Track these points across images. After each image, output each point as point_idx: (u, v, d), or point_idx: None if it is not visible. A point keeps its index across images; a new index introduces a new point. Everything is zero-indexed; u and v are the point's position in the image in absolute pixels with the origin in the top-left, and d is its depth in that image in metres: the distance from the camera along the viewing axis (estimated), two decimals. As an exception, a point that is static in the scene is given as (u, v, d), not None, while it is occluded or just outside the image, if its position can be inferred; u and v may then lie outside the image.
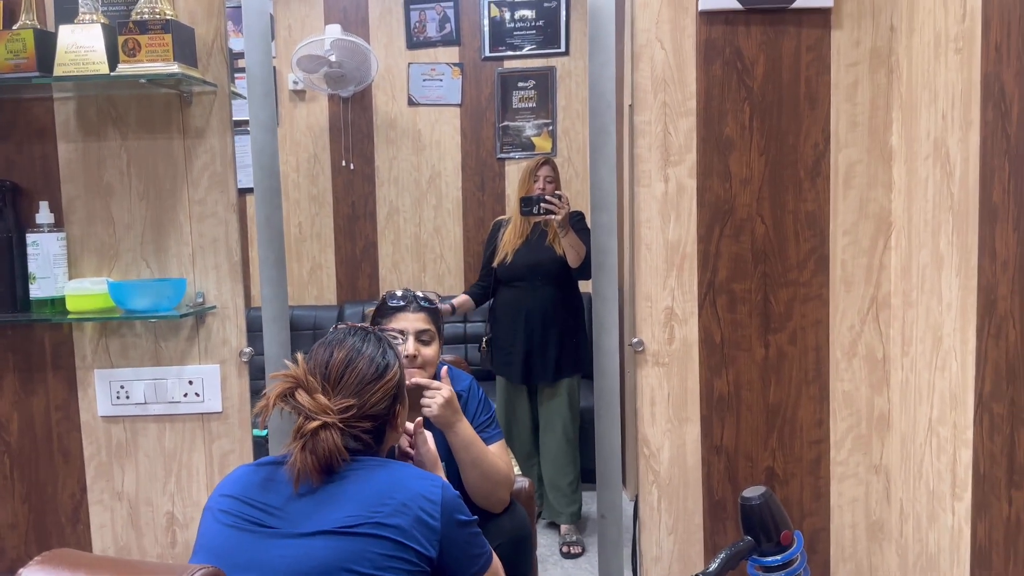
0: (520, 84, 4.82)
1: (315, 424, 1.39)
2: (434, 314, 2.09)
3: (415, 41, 4.75)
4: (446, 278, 4.85)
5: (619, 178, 2.26)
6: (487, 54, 4.77)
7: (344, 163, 4.76)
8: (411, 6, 4.72)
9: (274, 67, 4.68)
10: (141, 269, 2.12)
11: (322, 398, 1.43)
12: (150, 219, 2.12)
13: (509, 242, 3.40)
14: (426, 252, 4.83)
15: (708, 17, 2.04)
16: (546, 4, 4.79)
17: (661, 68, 2.06)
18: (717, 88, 2.07)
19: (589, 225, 2.37)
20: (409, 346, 1.99)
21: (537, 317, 3.36)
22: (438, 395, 1.92)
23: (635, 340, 2.10)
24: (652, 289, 2.10)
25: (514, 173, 4.83)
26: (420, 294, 2.15)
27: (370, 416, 1.48)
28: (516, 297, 3.41)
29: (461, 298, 3.58)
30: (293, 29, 4.67)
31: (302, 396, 1.42)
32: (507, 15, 4.75)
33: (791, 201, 2.09)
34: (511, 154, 4.78)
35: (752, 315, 2.11)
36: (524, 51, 4.79)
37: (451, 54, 4.77)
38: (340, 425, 1.41)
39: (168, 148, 2.12)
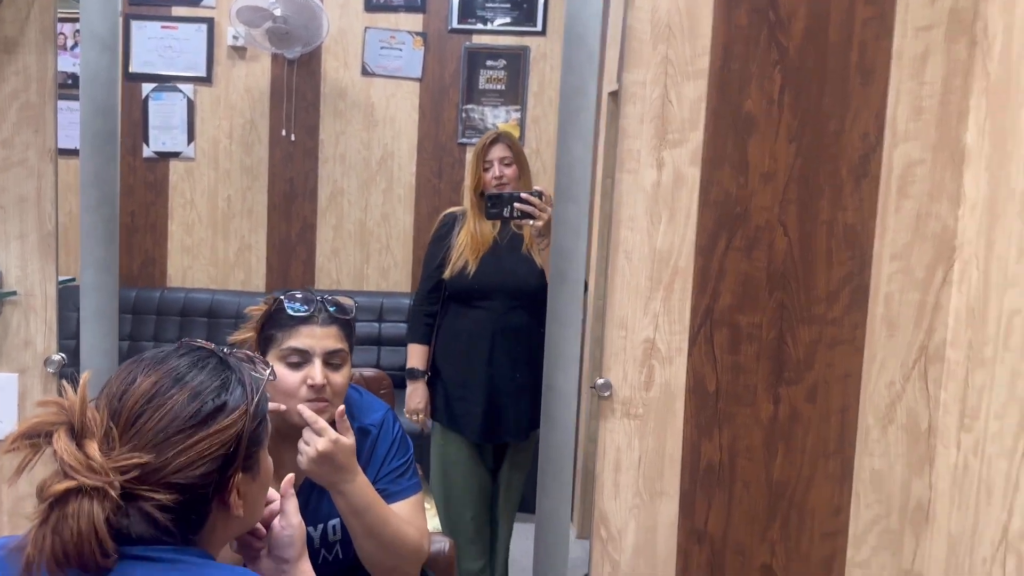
0: (489, 63, 4.19)
1: (65, 486, 0.83)
2: (347, 328, 1.54)
3: (374, 3, 4.09)
4: (392, 272, 4.20)
5: (592, 163, 1.64)
6: (454, 25, 4.13)
7: (284, 133, 4.08)
8: (372, -37, 4.06)
9: (212, 18, 4.00)
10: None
11: (94, 447, 0.86)
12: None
13: (469, 246, 2.40)
14: (371, 241, 4.18)
15: (734, -53, 1.43)
16: (525, -25, 4.16)
17: (666, 9, 1.44)
18: (740, 44, 1.46)
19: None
20: (316, 373, 1.43)
21: (506, 352, 2.37)
22: (313, 444, 1.31)
23: (600, 381, 1.48)
24: (629, 313, 1.48)
25: (475, 161, 4.19)
26: (329, 298, 1.57)
27: (175, 485, 0.88)
28: (478, 322, 2.40)
29: (414, 353, 2.49)
30: (237, -23, 3.98)
31: (62, 441, 0.86)
32: (479, -17, 4.11)
33: (826, 208, 1.48)
34: (475, 139, 4.14)
35: (761, 359, 1.50)
36: (496, 25, 4.15)
37: (414, 22, 4.12)
38: (113, 493, 0.85)
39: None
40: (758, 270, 1.49)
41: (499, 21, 4.14)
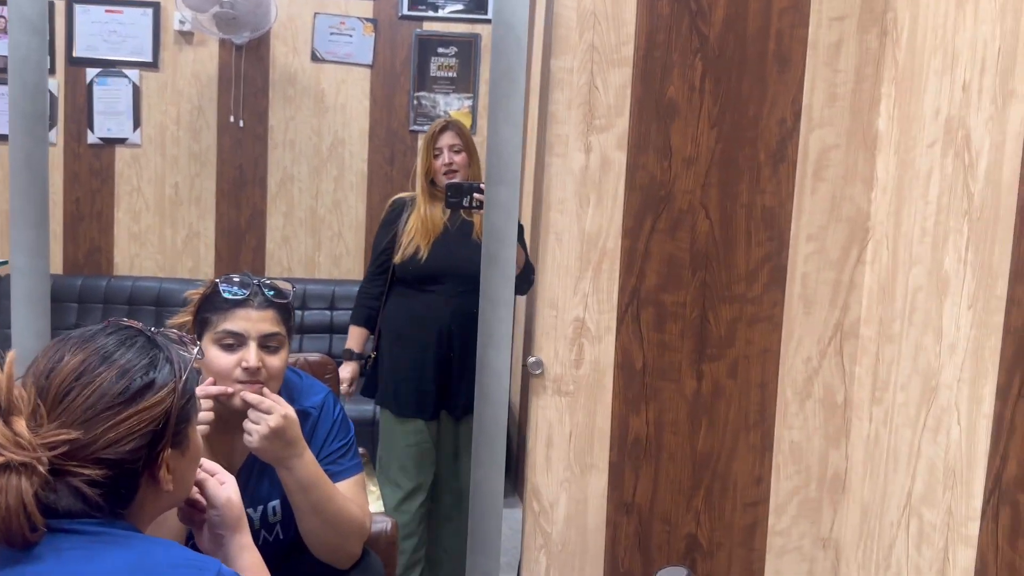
0: (440, 50, 4.19)
1: None
2: (285, 312, 1.53)
3: (324, -11, 4.06)
4: (343, 260, 4.19)
5: (523, 146, 1.67)
6: (405, 12, 4.12)
7: (233, 119, 4.04)
8: (321, -52, 4.04)
9: (158, 2, 3.94)
10: None
11: (21, 424, 0.87)
12: None
13: (420, 231, 2.43)
14: (322, 228, 4.17)
15: (657, -62, 1.47)
16: (474, -37, 4.17)
17: (591, -3, 1.48)
18: (663, 33, 1.50)
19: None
20: (251, 356, 1.43)
21: (460, 333, 2.37)
22: (264, 421, 1.34)
23: (532, 359, 1.52)
24: (559, 294, 1.53)
25: (426, 148, 4.20)
26: (267, 282, 1.58)
27: (104, 460, 0.90)
28: (427, 306, 2.41)
29: (353, 335, 2.53)
30: (183, -39, 3.93)
31: None
32: (430, -30, 4.11)
33: (745, 192, 1.54)
34: (426, 127, 4.15)
35: (685, 336, 1.56)
36: (447, 13, 4.16)
37: (364, 7, 4.10)
38: (41, 468, 0.86)
39: None
40: (681, 251, 1.54)
41: (450, 8, 4.15)
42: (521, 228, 2.30)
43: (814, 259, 1.56)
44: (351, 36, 4.11)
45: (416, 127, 4.15)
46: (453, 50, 4.19)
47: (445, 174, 2.40)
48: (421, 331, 2.41)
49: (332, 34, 4.10)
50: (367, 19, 4.10)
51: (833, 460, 1.60)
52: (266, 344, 1.51)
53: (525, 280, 2.03)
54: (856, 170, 1.54)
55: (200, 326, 1.60)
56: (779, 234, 1.55)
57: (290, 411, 1.36)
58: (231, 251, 4.12)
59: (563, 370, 1.53)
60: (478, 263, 2.34)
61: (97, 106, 3.95)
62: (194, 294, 1.66)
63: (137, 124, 3.98)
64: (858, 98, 1.53)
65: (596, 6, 1.48)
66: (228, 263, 4.12)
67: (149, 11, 3.94)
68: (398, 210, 2.55)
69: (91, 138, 3.97)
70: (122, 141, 3.97)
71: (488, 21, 4.16)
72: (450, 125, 2.50)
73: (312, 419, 1.56)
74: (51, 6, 3.86)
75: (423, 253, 2.39)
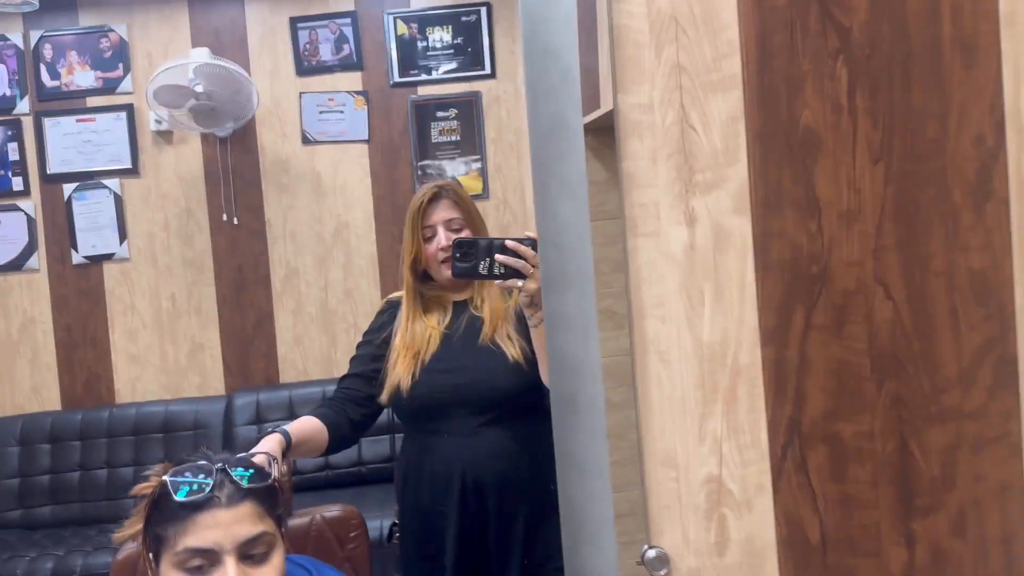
0: (439, 114, 3.69)
1: None
2: (268, 497, 1.12)
3: (306, 66, 3.58)
4: (362, 351, 3.64)
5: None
6: (396, 79, 3.63)
7: (226, 218, 3.53)
8: (298, 25, 3.55)
9: (131, 104, 3.47)
10: None
11: None
12: None
13: (403, 355, 1.64)
14: (335, 321, 3.62)
15: None
16: (464, 19, 3.69)
17: (670, -7, 0.93)
18: (782, 32, 0.95)
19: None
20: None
21: (491, 490, 1.60)
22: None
23: (650, 552, 0.94)
24: (677, 444, 0.95)
25: (437, 220, 3.67)
26: (235, 460, 1.06)
27: None
28: (440, 457, 1.63)
29: (298, 427, 1.56)
30: (154, 57, 3.46)
31: None
32: (417, 32, 3.63)
33: (940, 252, 0.96)
34: (434, 197, 3.63)
35: (879, 482, 0.96)
36: (441, 74, 3.66)
37: (352, 80, 3.62)
38: None
39: None
40: (856, 353, 0.96)
41: (444, 68, 3.65)
42: None
43: (1052, 337, 0.97)
44: (342, 112, 3.62)
45: (424, 199, 3.63)
46: (453, 112, 3.68)
47: (443, 263, 1.64)
48: (434, 493, 1.63)
49: (322, 112, 3.61)
50: (357, 92, 3.61)
51: (1123, 636, 0.99)
52: (249, 553, 1.00)
53: None
54: (1099, 197, 0.96)
55: (154, 544, 1.06)
56: (1000, 309, 0.96)
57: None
58: (240, 361, 3.58)
59: (700, 561, 0.94)
60: (492, 378, 1.59)
61: (78, 223, 3.46)
62: (143, 489, 1.12)
63: (123, 236, 3.48)
64: (1087, 89, 0.96)
65: (676, 7, 0.93)
66: (238, 374, 3.57)
67: (123, 114, 3.46)
68: (389, 316, 1.76)
69: (76, 258, 3.46)
70: (109, 257, 3.46)
71: (487, 76, 3.66)
72: (443, 192, 1.68)
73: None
74: (18, 123, 3.39)
75: (405, 384, 1.61)
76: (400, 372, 1.62)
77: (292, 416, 3.39)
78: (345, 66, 3.59)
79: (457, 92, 3.66)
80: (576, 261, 0.92)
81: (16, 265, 3.41)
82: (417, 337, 1.65)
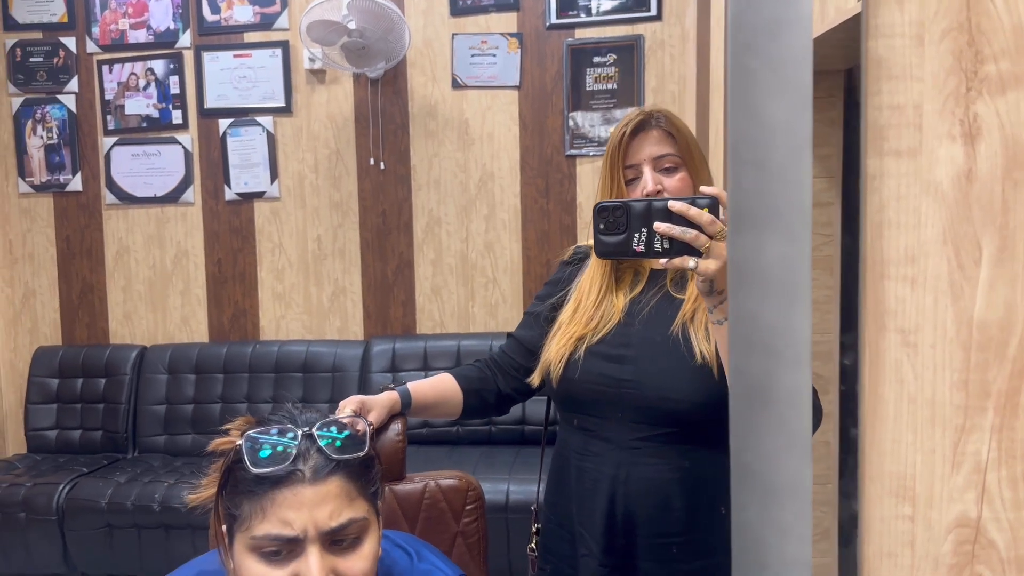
0: (596, 59, 3.37)
1: None
2: (362, 473, 0.90)
3: (461, 6, 3.36)
4: (500, 309, 3.44)
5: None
6: (553, 21, 3.34)
7: (373, 162, 3.42)
8: (456, -40, 3.35)
9: (287, 41, 3.40)
10: None
11: None
12: None
13: (587, 311, 1.26)
14: (475, 275, 3.44)
15: None
16: (631, -46, 3.32)
17: None
18: None
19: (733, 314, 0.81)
20: (313, 570, 0.85)
21: (629, 522, 1.21)
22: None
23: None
24: (917, 466, 0.63)
25: (588, 174, 3.38)
26: (323, 423, 0.91)
27: None
28: (592, 465, 1.24)
29: (425, 388, 1.31)
30: (310, -7, 3.37)
31: None
32: (579, -31, 3.31)
33: None
34: (584, 150, 3.34)
35: None
36: (601, 15, 3.34)
37: (507, 22, 3.37)
38: None
39: None
40: None
41: (604, 8, 3.32)
42: None
43: None
44: (495, 56, 3.38)
45: (573, 151, 3.35)
46: (611, 57, 3.35)
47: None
48: (579, 507, 1.26)
49: (474, 56, 3.39)
50: (511, 35, 3.36)
51: None
52: (338, 538, 0.80)
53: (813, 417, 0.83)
54: None
55: (228, 517, 0.86)
56: None
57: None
58: (379, 307, 3.48)
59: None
60: (676, 380, 1.15)
61: (232, 159, 3.45)
62: (222, 444, 0.93)
63: (274, 175, 3.44)
64: None
65: None
66: (377, 320, 3.48)
67: (278, 51, 3.39)
68: (568, 270, 1.38)
69: (228, 194, 3.46)
70: (260, 195, 3.44)
71: (652, 19, 3.29)
72: (652, 120, 1.23)
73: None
74: (179, 57, 3.40)
75: (557, 368, 1.24)
76: (554, 352, 1.25)
77: (426, 368, 3.25)
78: (500, 6, 3.34)
79: (617, 35, 3.32)
80: (786, 187, 0.61)
81: (173, 197, 3.46)
82: (591, 309, 1.26)
